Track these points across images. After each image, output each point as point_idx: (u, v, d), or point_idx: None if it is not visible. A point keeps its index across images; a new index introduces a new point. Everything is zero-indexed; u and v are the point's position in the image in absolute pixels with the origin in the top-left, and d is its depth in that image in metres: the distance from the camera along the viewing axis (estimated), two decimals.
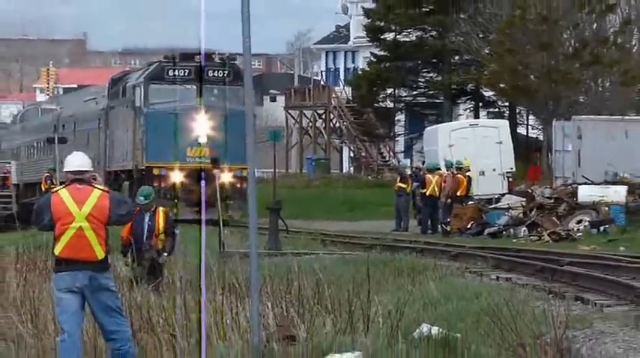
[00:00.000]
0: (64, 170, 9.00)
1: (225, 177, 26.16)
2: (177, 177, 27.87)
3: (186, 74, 29.80)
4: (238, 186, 28.48)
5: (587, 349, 9.42)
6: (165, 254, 13.36)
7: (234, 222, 26.96)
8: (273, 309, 9.70)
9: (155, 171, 29.82)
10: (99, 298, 8.50)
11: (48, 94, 58.14)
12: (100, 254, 8.44)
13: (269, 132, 34.91)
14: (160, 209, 13.72)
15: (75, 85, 58.91)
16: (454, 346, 9.31)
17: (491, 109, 44.60)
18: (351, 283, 11.30)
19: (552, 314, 10.08)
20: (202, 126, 22.45)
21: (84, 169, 8.61)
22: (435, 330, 9.67)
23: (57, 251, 8.53)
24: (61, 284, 8.56)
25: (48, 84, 60.69)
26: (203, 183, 22.97)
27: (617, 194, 24.96)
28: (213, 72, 30.27)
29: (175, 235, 14.21)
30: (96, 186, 8.71)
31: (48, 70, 62.84)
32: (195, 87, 29.66)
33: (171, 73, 30.36)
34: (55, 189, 9.11)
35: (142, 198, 13.16)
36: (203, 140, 25.21)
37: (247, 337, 9.18)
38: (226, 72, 30.01)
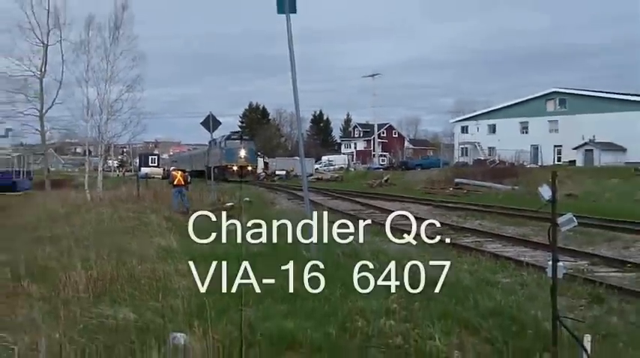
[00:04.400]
0: (172, 167, 41.78)
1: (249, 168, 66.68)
2: (235, 168, 60.87)
3: (236, 137, 67.57)
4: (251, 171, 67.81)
5: None
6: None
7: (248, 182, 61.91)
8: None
9: (228, 166, 65.13)
10: (181, 193, 29.88)
11: (173, 153, 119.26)
12: (182, 182, 30.20)
13: None
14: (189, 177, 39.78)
15: (180, 150, 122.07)
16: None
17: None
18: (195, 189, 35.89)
19: (240, 192, 39.26)
20: (242, 152, 64.78)
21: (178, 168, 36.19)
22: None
23: (174, 183, 30.65)
24: (174, 190, 30.46)
25: (174, 151, 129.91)
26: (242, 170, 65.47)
27: (282, 173, 76.87)
28: (244, 136, 70.66)
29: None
30: (181, 170, 33.12)
31: (175, 148, 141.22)
32: (239, 141, 67.25)
33: (232, 137, 68.22)
34: (171, 171, 36.50)
35: (189, 176, 33.72)
36: (242, 156, 65.04)
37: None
38: (247, 137, 71.02)
